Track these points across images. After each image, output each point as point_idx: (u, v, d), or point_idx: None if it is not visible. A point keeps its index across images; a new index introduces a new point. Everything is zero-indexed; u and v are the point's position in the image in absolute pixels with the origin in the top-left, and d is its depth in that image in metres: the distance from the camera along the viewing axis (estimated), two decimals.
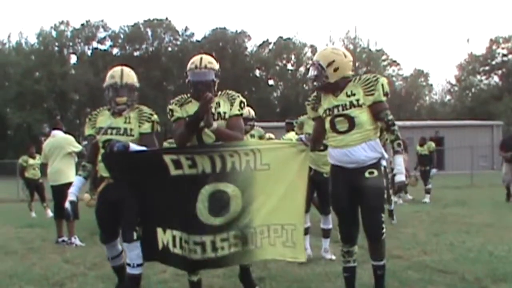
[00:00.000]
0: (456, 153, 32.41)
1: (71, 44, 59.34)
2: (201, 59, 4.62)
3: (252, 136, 7.61)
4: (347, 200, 4.46)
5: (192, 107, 4.52)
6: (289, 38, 61.28)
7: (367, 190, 4.33)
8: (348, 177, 4.41)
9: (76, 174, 5.01)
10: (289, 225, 4.39)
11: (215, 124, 4.39)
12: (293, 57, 61.50)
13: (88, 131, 4.87)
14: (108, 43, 60.22)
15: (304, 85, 57.54)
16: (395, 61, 64.00)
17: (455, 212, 11.79)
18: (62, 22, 59.10)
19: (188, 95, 4.67)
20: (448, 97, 66.27)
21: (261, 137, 8.08)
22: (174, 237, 4.31)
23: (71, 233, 8.51)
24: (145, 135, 4.71)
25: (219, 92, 4.68)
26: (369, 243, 4.45)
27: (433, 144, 15.96)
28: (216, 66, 4.66)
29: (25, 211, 14.20)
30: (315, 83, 4.52)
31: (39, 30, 58.55)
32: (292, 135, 7.43)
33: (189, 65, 4.63)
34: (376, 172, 4.36)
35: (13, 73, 53.61)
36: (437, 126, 37.23)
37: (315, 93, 4.71)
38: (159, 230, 4.37)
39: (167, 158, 4.16)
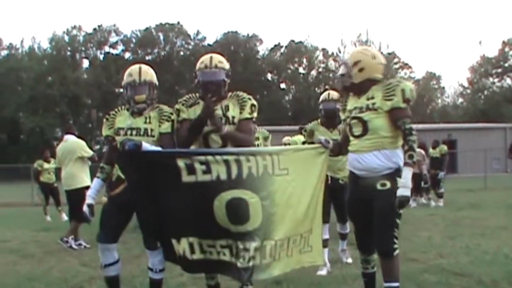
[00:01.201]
0: (469, 156, 32.28)
1: (83, 48, 59.82)
2: (211, 58, 4.43)
3: (257, 138, 7.55)
4: (361, 208, 4.27)
5: (200, 109, 4.36)
6: (300, 42, 61.43)
7: (378, 204, 4.10)
8: (361, 185, 4.24)
9: (94, 176, 4.76)
10: (306, 232, 4.27)
11: (225, 129, 4.25)
12: (304, 60, 61.56)
13: (105, 132, 4.64)
14: (120, 47, 60.75)
15: (316, 89, 57.51)
16: (406, 64, 63.93)
17: (470, 215, 11.75)
18: (74, 27, 59.63)
19: (197, 95, 4.51)
20: (461, 99, 66.08)
21: (265, 138, 8.07)
22: (191, 244, 4.10)
23: (70, 232, 8.59)
24: (165, 135, 4.47)
25: (229, 94, 4.49)
26: (380, 260, 4.19)
27: (445, 147, 15.88)
28: (227, 65, 4.47)
29: (39, 215, 14.31)
30: (340, 83, 4.37)
31: (51, 35, 58.99)
32: (297, 138, 7.42)
33: (198, 65, 4.45)
34: (389, 184, 4.07)
35: (26, 78, 54.10)
36: (450, 129, 37.16)
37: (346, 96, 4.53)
38: (174, 242, 4.14)
39: (181, 162, 3.95)
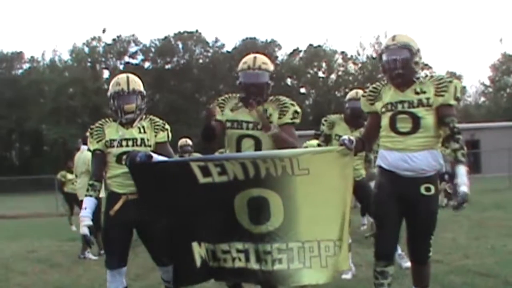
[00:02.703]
0: (493, 155, 31.87)
1: (103, 59, 60.35)
2: (254, 58, 4.25)
3: None
4: (392, 207, 4.00)
5: (242, 114, 4.24)
6: (319, 46, 61.19)
7: (420, 211, 3.93)
8: (401, 186, 3.96)
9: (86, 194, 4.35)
10: (338, 239, 3.91)
11: (275, 129, 4.05)
12: (324, 64, 61.37)
13: (93, 145, 4.33)
14: (140, 57, 61.08)
15: (336, 92, 57.37)
16: (426, 64, 63.14)
17: (495, 215, 11.64)
18: (94, 38, 60.11)
19: (237, 95, 4.36)
20: (482, 98, 65.47)
21: None
22: (207, 251, 4.02)
23: (84, 247, 8.51)
24: (162, 144, 4.35)
25: (270, 98, 4.32)
26: (413, 266, 4.09)
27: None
28: (271, 67, 4.31)
29: (65, 225, 14.39)
30: (403, 66, 3.89)
31: (71, 46, 59.58)
32: (313, 142, 7.34)
33: (241, 65, 4.27)
34: (433, 189, 3.92)
35: (48, 90, 54.74)
36: (473, 129, 36.79)
37: (374, 85, 4.20)
38: (195, 245, 4.03)
39: (194, 165, 3.87)
